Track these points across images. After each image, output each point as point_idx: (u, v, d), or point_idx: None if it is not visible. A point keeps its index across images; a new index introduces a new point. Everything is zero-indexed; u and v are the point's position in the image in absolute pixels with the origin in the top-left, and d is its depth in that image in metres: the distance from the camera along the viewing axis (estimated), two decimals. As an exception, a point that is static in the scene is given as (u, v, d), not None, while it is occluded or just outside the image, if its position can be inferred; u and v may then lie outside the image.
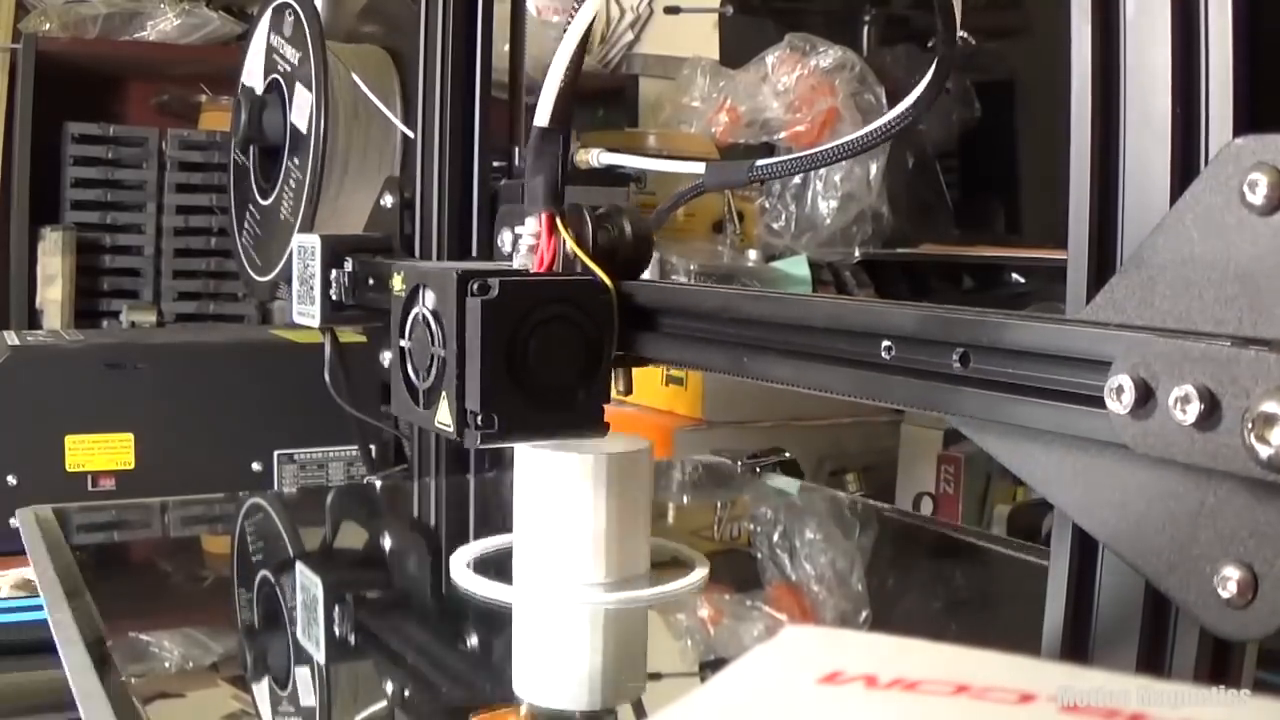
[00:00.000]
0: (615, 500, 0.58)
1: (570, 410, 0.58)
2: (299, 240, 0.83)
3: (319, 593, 0.64)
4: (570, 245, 0.60)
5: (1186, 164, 0.38)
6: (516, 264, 0.62)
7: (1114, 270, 0.38)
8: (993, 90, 1.26)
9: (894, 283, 1.34)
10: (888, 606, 0.67)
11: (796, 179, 1.17)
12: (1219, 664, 0.39)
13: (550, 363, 0.57)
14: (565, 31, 0.57)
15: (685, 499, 0.91)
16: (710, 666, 0.55)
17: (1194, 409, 0.31)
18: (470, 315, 0.56)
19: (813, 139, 1.16)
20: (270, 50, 1.10)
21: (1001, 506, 1.13)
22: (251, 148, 1.11)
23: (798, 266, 1.33)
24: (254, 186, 1.12)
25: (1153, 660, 0.40)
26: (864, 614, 0.65)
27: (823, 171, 1.16)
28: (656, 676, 0.56)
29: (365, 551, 0.76)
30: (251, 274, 1.12)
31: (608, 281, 0.58)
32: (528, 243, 0.62)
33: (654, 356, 0.59)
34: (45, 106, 1.66)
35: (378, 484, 0.92)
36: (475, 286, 0.56)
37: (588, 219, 0.62)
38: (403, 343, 0.62)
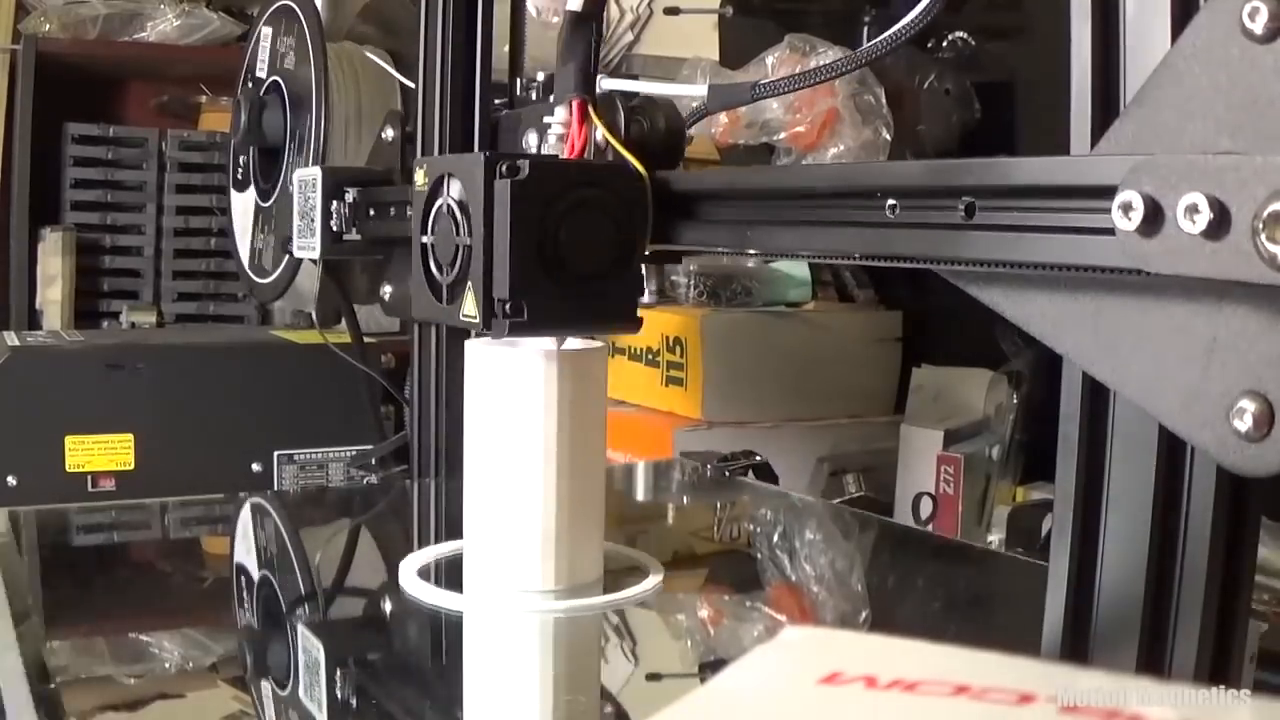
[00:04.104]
0: (569, 397, 0.55)
1: (602, 301, 0.54)
2: (299, 174, 0.82)
3: (278, 599, 0.63)
4: (603, 132, 0.58)
5: (1186, 5, 0.37)
6: (545, 152, 0.59)
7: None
8: (993, 90, 1.26)
9: (895, 283, 1.34)
10: (850, 609, 0.67)
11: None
12: (1219, 664, 0.39)
13: (582, 250, 0.53)
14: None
15: (655, 502, 0.91)
16: (710, 667, 0.55)
17: (1203, 218, 0.30)
18: (499, 197, 0.53)
19: (813, 140, 1.16)
20: (275, 51, 1.10)
21: (1001, 507, 1.12)
22: (251, 148, 1.11)
23: (798, 267, 1.32)
24: (255, 186, 1.12)
25: (1153, 660, 0.40)
26: (863, 614, 0.65)
27: (823, 172, 1.15)
28: (657, 677, 0.56)
29: (349, 553, 0.75)
30: (252, 275, 1.12)
31: (641, 169, 0.55)
32: (557, 132, 0.59)
33: (691, 245, 0.57)
34: (45, 107, 1.66)
35: (376, 484, 0.92)
36: (504, 168, 0.53)
37: (620, 108, 0.61)
38: (425, 239, 0.59)
